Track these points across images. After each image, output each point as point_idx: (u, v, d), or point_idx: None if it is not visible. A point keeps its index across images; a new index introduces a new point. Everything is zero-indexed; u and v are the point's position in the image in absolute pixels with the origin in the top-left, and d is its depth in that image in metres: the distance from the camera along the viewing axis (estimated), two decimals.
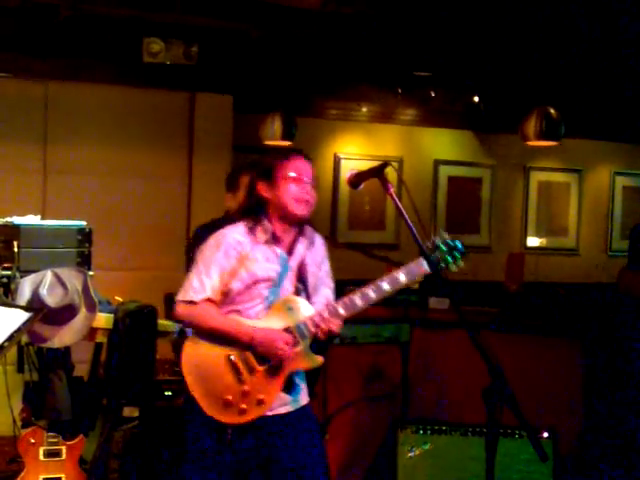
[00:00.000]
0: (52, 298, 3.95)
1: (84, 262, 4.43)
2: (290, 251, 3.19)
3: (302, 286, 3.21)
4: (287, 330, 3.10)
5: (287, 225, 3.18)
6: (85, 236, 4.50)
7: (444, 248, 3.12)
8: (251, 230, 3.14)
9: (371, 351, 4.88)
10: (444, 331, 4.95)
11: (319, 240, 3.32)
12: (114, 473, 4.22)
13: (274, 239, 3.15)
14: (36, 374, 4.27)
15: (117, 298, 4.39)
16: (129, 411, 4.28)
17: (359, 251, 6.59)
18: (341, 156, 7.92)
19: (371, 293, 3.12)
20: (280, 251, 3.17)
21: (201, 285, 3.11)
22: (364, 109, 7.98)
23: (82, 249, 4.47)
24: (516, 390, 2.89)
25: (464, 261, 3.12)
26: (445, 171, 8.41)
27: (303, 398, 3.28)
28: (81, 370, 4.50)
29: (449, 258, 3.11)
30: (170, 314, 3.18)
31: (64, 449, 3.99)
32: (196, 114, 6.87)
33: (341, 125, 7.97)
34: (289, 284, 3.18)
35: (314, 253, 3.27)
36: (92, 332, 4.21)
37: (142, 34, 6.26)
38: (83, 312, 4.06)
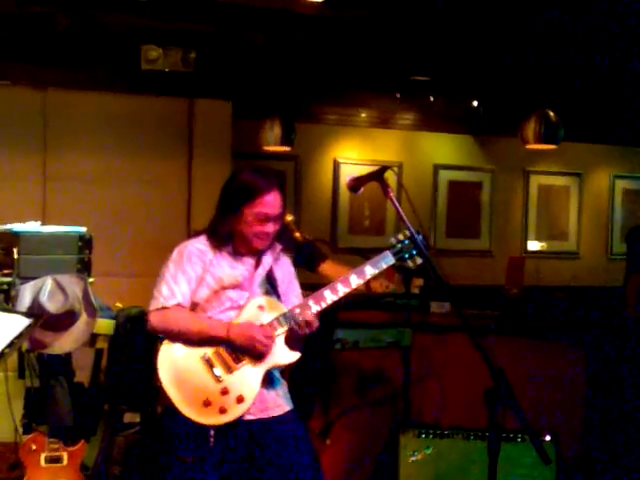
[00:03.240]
0: (52, 304, 3.94)
1: (84, 268, 4.43)
2: (257, 261, 3.24)
3: (272, 290, 3.24)
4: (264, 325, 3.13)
5: (247, 250, 3.23)
6: (85, 242, 4.49)
7: (408, 242, 3.18)
8: (213, 244, 3.19)
9: (373, 356, 4.88)
10: (445, 335, 4.95)
11: (286, 259, 3.36)
12: (115, 479, 4.20)
13: (236, 253, 3.21)
14: (37, 380, 4.25)
15: (117, 304, 4.40)
16: (130, 417, 4.27)
17: (359, 255, 6.58)
18: (340, 161, 7.92)
19: (339, 286, 3.15)
20: (246, 258, 3.22)
21: (171, 292, 3.15)
22: (363, 114, 8.00)
23: (82, 255, 4.46)
24: (518, 394, 2.88)
25: (421, 258, 3.17)
26: (445, 175, 8.42)
27: (286, 402, 3.27)
28: (83, 376, 4.50)
29: (413, 252, 3.17)
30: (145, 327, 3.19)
31: (65, 455, 3.97)
32: (195, 120, 6.88)
33: (340, 130, 7.98)
34: (258, 288, 3.22)
35: (282, 268, 3.32)
36: (93, 338, 4.20)
37: (140, 41, 6.28)
38: (83, 318, 4.05)
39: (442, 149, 8.47)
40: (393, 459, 4.42)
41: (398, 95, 7.69)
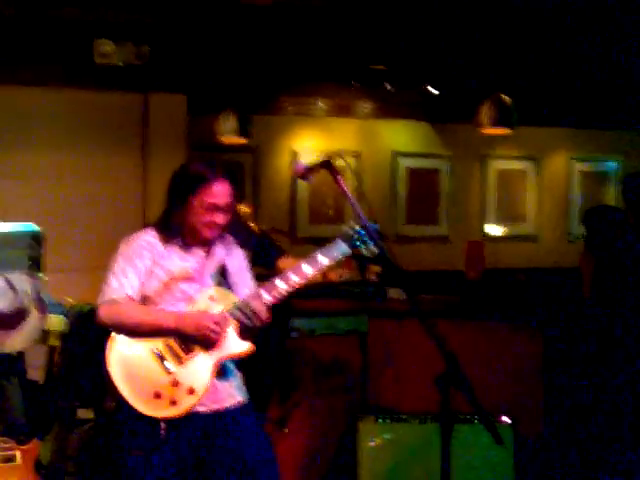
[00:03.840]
0: (2, 303, 3.90)
1: (35, 265, 4.39)
2: (207, 253, 3.24)
3: (224, 281, 3.23)
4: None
5: (198, 239, 3.22)
6: (36, 239, 4.45)
7: (362, 231, 3.17)
8: (162, 236, 3.19)
9: (330, 343, 4.89)
10: (402, 321, 4.96)
11: (238, 250, 3.37)
12: (71, 476, 4.16)
13: (186, 245, 3.20)
14: None
15: (69, 299, 4.35)
16: (84, 413, 4.24)
17: (318, 245, 6.57)
18: (299, 151, 7.90)
19: (291, 275, 3.14)
20: (196, 250, 3.22)
21: (120, 285, 3.14)
22: (320, 104, 7.98)
23: (33, 253, 4.43)
24: (475, 377, 2.90)
25: (376, 246, 3.16)
26: (404, 163, 8.43)
27: (240, 394, 3.26)
28: (36, 374, 4.45)
29: (367, 240, 3.16)
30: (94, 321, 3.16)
31: (18, 454, 3.92)
32: (150, 114, 6.84)
33: (298, 121, 7.96)
34: (209, 280, 3.21)
35: (233, 259, 3.31)
36: (45, 335, 4.16)
37: (92, 35, 6.21)
38: (34, 315, 4.01)
39: (400, 137, 8.48)
40: (352, 445, 4.41)
41: (355, 84, 7.67)
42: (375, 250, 3.17)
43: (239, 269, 3.33)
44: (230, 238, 3.31)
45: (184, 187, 3.15)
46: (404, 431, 4.35)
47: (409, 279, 3.13)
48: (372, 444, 4.33)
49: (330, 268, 3.40)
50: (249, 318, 3.09)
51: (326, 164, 3.25)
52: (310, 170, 3.38)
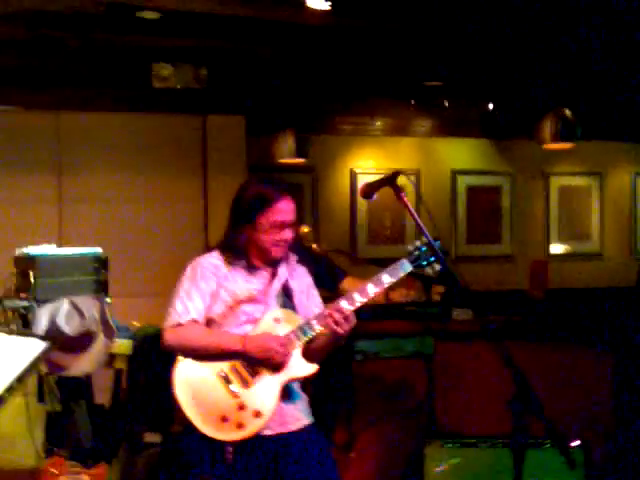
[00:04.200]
0: (69, 326, 3.94)
1: (101, 289, 4.44)
2: (272, 274, 3.21)
3: (289, 302, 3.20)
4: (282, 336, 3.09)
5: (265, 259, 3.20)
6: (101, 263, 4.51)
7: (425, 249, 3.11)
8: (227, 259, 3.17)
9: (394, 366, 4.83)
10: (468, 342, 4.88)
11: (302, 270, 3.34)
12: None
13: (251, 266, 3.18)
14: (57, 404, 4.23)
15: (135, 323, 4.37)
16: (150, 437, 4.24)
17: (378, 265, 6.53)
18: (357, 171, 7.87)
19: (357, 296, 3.09)
20: (260, 271, 3.20)
21: (185, 309, 3.12)
22: (378, 122, 7.95)
23: (98, 276, 4.48)
24: (545, 400, 2.83)
25: (440, 264, 3.11)
26: (463, 181, 8.34)
27: (306, 416, 3.23)
28: (103, 398, 4.48)
29: (431, 258, 3.11)
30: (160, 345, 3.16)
31: (86, 478, 3.95)
32: (208, 136, 6.86)
33: (356, 140, 7.93)
34: (274, 301, 3.18)
35: (298, 279, 3.29)
36: (111, 358, 4.18)
37: (150, 60, 6.28)
38: (101, 339, 4.04)
39: (459, 154, 8.39)
40: (419, 470, 4.34)
41: (412, 102, 7.63)
42: (439, 269, 3.12)
43: (305, 288, 3.30)
44: (294, 258, 3.29)
45: (249, 207, 3.14)
46: (473, 456, 4.28)
47: (476, 299, 3.07)
48: (439, 469, 4.27)
49: (394, 289, 3.36)
50: (336, 325, 3.03)
51: (389, 181, 3.21)
52: (373, 187, 3.35)
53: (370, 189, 3.33)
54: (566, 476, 3.99)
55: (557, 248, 8.65)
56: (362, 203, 7.73)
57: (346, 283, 4.58)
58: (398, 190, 3.16)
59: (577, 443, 4.25)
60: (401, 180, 3.20)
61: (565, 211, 8.71)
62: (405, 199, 3.13)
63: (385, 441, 4.80)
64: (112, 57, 6.23)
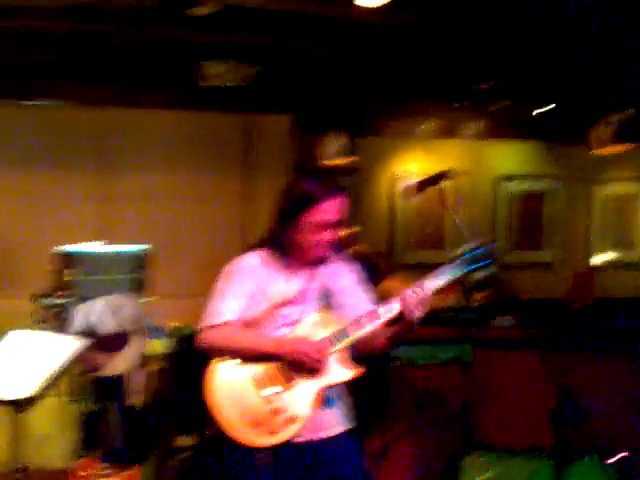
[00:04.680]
0: (104, 325, 3.92)
1: (139, 288, 4.43)
2: (311, 275, 3.14)
3: (328, 304, 3.13)
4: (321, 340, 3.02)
5: (306, 260, 3.13)
6: (140, 262, 4.51)
7: (474, 254, 3.04)
8: (267, 258, 3.11)
9: (431, 373, 4.74)
10: (508, 351, 4.79)
11: (343, 269, 3.23)
12: None
13: (291, 267, 3.12)
14: (92, 404, 4.23)
15: (171, 324, 4.35)
16: (183, 440, 4.21)
17: (417, 270, 6.46)
18: (399, 175, 7.79)
19: (394, 303, 3.00)
20: (300, 272, 3.13)
21: (221, 309, 3.07)
22: (423, 125, 7.85)
23: (137, 275, 4.48)
24: (591, 410, 2.75)
25: (489, 269, 3.04)
26: (507, 186, 8.23)
27: (342, 423, 3.16)
28: (138, 399, 4.46)
29: (481, 262, 3.03)
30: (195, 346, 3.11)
31: None
32: (254, 135, 6.84)
33: (398, 143, 7.85)
34: (313, 303, 3.12)
35: (339, 279, 3.20)
36: (146, 359, 4.16)
37: (198, 56, 6.25)
38: (136, 339, 4.02)
39: (504, 159, 8.28)
40: None
41: (458, 105, 7.52)
42: (485, 274, 3.04)
43: (348, 287, 3.20)
44: (336, 257, 3.21)
45: (296, 205, 3.06)
46: (511, 468, 4.20)
47: (520, 307, 3.00)
48: None
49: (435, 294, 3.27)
50: (412, 308, 2.95)
51: (439, 178, 3.14)
52: (422, 184, 3.28)
53: (418, 187, 3.26)
54: None
55: (601, 257, 8.49)
56: (403, 208, 7.64)
57: (387, 283, 4.52)
58: (443, 193, 3.09)
59: (623, 455, 4.15)
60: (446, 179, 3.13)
61: (611, 218, 8.54)
62: (449, 200, 3.06)
63: (420, 451, 4.72)
64: (158, 53, 6.19)
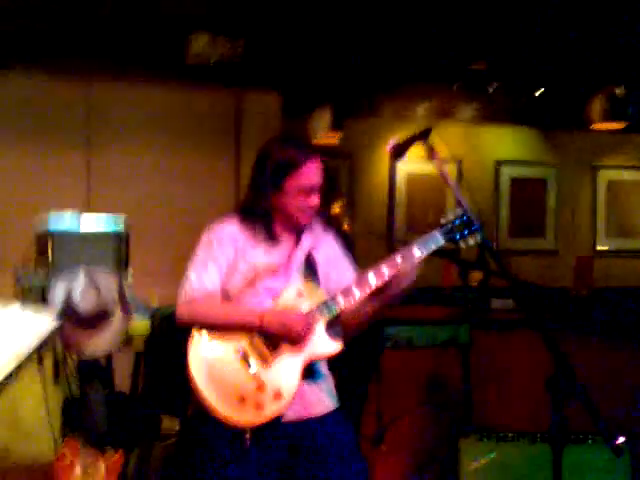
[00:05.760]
0: (85, 302, 3.76)
1: (122, 264, 4.32)
2: (294, 244, 3.01)
3: (313, 274, 2.99)
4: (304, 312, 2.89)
5: (289, 227, 3.00)
6: (123, 238, 4.39)
7: (459, 222, 2.91)
8: (248, 226, 2.96)
9: (428, 354, 4.62)
10: (508, 332, 4.67)
11: (328, 237, 3.12)
12: None
13: (273, 236, 2.97)
14: (76, 388, 4.08)
15: (154, 304, 4.20)
16: (169, 422, 4.06)
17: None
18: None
19: (384, 268, 2.87)
20: (283, 241, 2.99)
21: (199, 281, 2.92)
22: (419, 107, 7.71)
23: (119, 253, 4.38)
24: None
25: (476, 238, 2.90)
26: (507, 171, 8.10)
27: (331, 400, 3.01)
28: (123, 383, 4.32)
29: (465, 232, 2.90)
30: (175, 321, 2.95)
31: (102, 464, 3.77)
32: (243, 113, 6.71)
33: (395, 124, 7.69)
34: (296, 273, 2.97)
35: (323, 249, 3.07)
36: (129, 339, 4.01)
37: (186, 30, 6.10)
38: (118, 317, 3.86)
39: (504, 143, 8.19)
40: (454, 466, 4.19)
41: (455, 87, 7.38)
42: (472, 243, 2.89)
43: (332, 258, 3.08)
44: (319, 226, 3.08)
45: (274, 170, 2.93)
46: (510, 451, 4.11)
47: (519, 287, 2.85)
48: (475, 465, 4.11)
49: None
50: (403, 275, 2.82)
51: (421, 137, 2.99)
52: (406, 144, 3.14)
53: (401, 148, 3.12)
54: (611, 475, 3.79)
55: (603, 244, 8.36)
56: (401, 189, 7.51)
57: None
58: (431, 148, 2.93)
59: (623, 440, 4.02)
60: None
61: (613, 205, 8.42)
62: (438, 157, 2.90)
63: (418, 434, 4.62)
64: (146, 26, 6.05)
